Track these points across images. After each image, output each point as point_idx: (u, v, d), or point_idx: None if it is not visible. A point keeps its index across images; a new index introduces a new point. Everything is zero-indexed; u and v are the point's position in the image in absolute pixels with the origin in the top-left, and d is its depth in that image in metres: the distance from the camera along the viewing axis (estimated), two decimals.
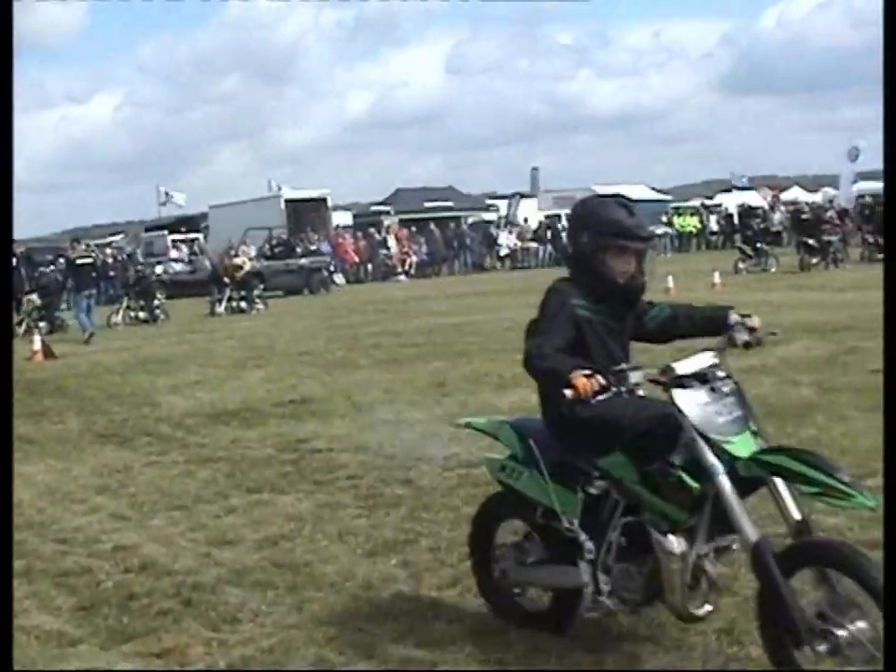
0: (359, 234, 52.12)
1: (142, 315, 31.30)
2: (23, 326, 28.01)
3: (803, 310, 20.84)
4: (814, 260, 34.32)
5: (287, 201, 52.07)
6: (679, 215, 58.85)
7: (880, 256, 25.17)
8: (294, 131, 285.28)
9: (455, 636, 5.82)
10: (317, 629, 6.05)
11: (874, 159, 50.68)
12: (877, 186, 42.13)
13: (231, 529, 8.27)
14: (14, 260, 29.97)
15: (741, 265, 35.34)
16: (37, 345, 22.07)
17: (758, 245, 36.07)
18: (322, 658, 5.69)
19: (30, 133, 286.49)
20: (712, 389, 5.04)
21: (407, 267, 50.14)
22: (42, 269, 35.37)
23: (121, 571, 7.39)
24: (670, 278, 28.17)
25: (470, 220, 56.70)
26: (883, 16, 5.34)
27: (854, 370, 13.16)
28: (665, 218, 57.65)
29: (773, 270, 34.60)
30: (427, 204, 57.95)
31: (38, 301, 29.72)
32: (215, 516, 8.70)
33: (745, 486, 4.90)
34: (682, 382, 5.03)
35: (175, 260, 50.23)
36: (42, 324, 28.50)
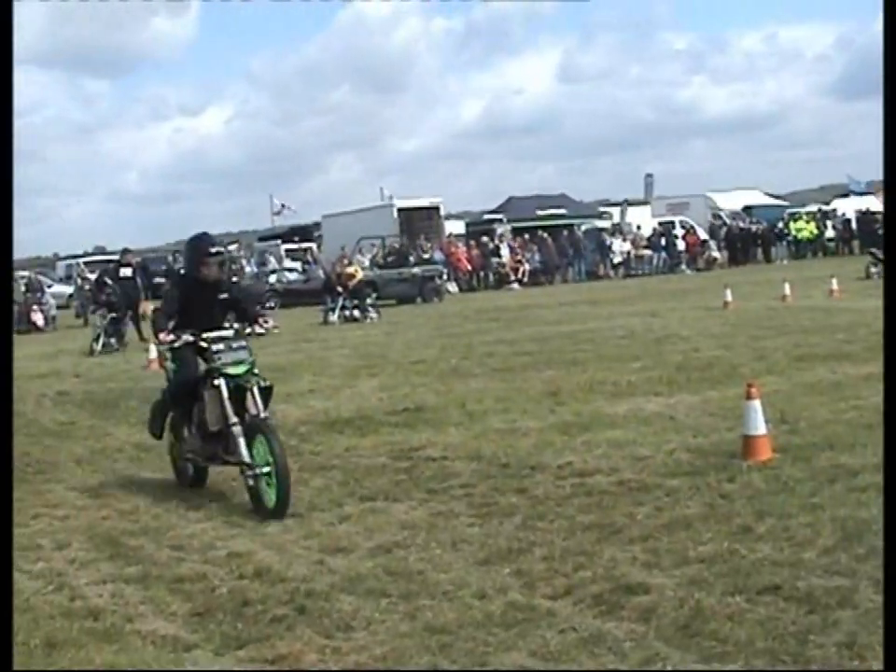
0: (472, 242, 52.18)
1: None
2: (100, 341, 27.15)
3: None
4: None
5: (399, 209, 52.46)
6: (796, 220, 57.98)
7: None
8: (405, 139, 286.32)
9: (569, 645, 5.75)
10: (430, 637, 6.02)
11: None
12: None
13: (344, 537, 8.29)
14: (130, 270, 30.34)
15: (873, 269, 34.50)
16: (153, 354, 22.35)
17: None
18: (435, 666, 5.66)
19: (147, 146, 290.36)
20: None
21: (520, 275, 50.06)
22: (137, 280, 35.01)
23: (236, 578, 7.43)
24: (787, 285, 27.79)
25: (584, 228, 56.41)
26: (883, 16, 5.25)
27: None
28: (780, 224, 56.96)
29: None
30: (540, 212, 57.82)
31: (107, 316, 28.24)
32: (328, 524, 8.73)
33: None
34: None
35: (289, 269, 50.72)
36: (112, 340, 27.56)
